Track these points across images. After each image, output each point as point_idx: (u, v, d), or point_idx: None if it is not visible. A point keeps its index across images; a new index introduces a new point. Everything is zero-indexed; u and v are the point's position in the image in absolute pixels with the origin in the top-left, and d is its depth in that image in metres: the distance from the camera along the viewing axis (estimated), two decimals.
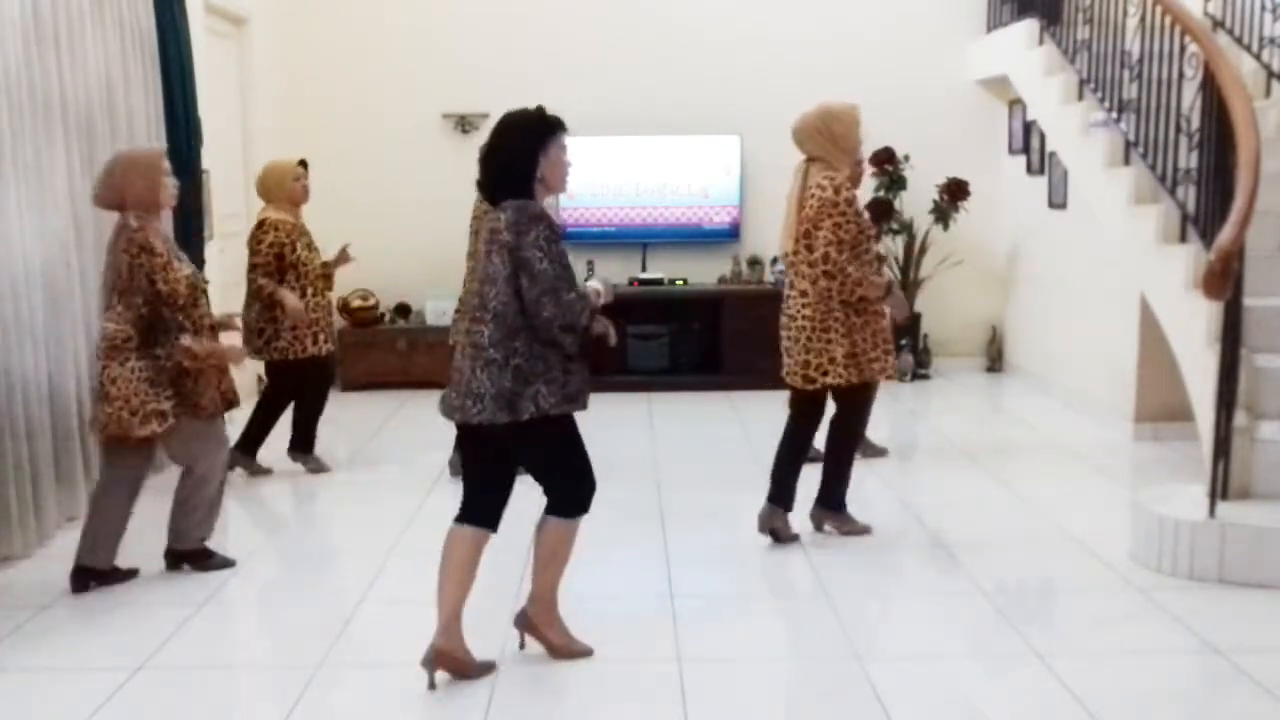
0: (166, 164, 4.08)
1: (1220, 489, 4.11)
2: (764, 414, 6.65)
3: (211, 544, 4.26)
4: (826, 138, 4.33)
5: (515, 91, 7.52)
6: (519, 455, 3.36)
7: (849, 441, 4.56)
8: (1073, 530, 4.55)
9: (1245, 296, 4.17)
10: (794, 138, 4.42)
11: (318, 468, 5.58)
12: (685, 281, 7.72)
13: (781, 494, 4.46)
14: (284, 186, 5.36)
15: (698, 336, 7.67)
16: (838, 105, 4.43)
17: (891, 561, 4.39)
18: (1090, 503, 4.96)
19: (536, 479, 3.40)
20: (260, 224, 5.34)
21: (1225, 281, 3.95)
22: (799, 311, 4.30)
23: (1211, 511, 4.04)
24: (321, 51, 7.79)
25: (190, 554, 4.18)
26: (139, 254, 3.87)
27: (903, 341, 7.77)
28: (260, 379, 6.26)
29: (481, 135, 7.69)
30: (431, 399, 7.13)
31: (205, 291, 4.13)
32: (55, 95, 4.65)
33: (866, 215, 4.48)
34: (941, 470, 5.57)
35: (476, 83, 7.77)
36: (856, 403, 4.52)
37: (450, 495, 5.19)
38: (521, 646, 3.49)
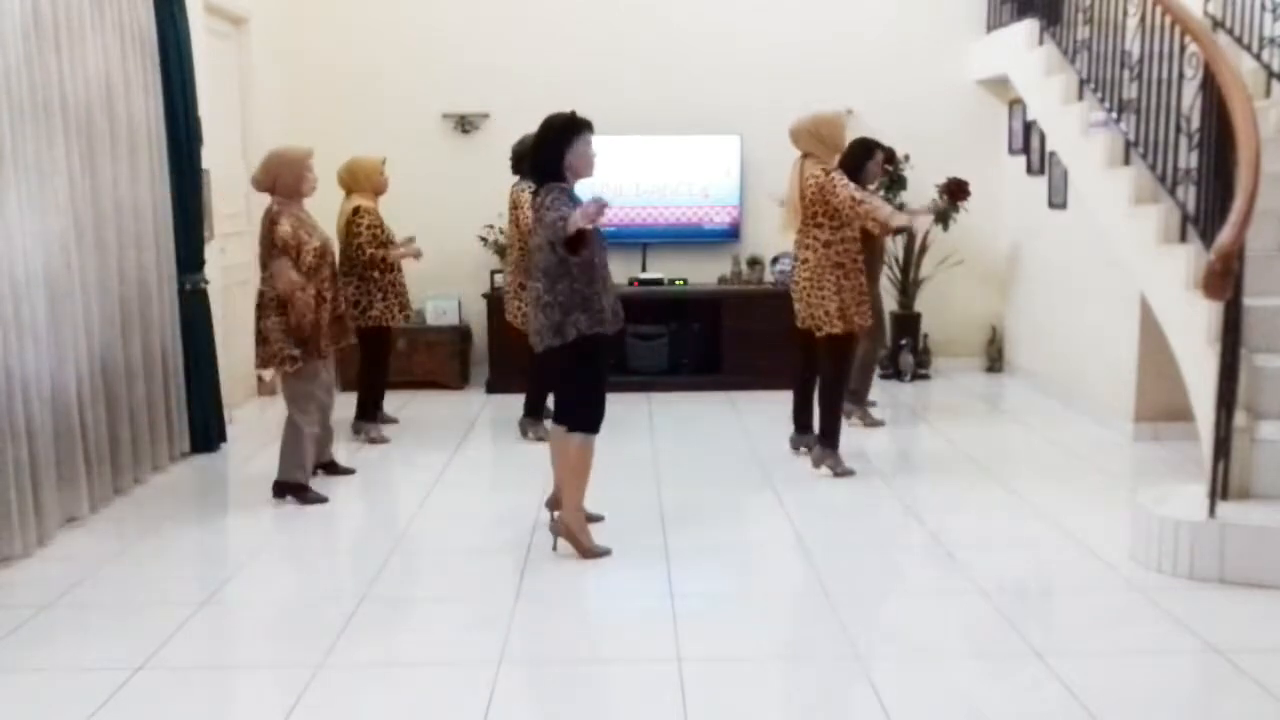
0: (311, 162, 5.06)
1: (1220, 489, 4.11)
2: (764, 414, 6.65)
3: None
4: (816, 138, 5.29)
5: (515, 92, 7.59)
6: (560, 374, 4.26)
7: (837, 386, 5.44)
8: (1073, 530, 4.55)
9: (1245, 296, 4.17)
10: (790, 136, 5.37)
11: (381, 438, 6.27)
12: (685, 281, 7.72)
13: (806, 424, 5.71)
14: (373, 178, 6.12)
15: (698, 336, 7.67)
16: (827, 111, 5.41)
17: (891, 561, 4.39)
18: (1090, 503, 4.96)
19: (562, 397, 4.33)
20: (356, 210, 6.01)
21: (1225, 281, 3.95)
22: (800, 275, 5.41)
23: (1211, 511, 4.04)
24: (321, 51, 7.79)
25: (291, 486, 5.03)
26: (270, 228, 4.90)
27: (903, 341, 7.79)
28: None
29: (482, 135, 7.79)
30: (432, 399, 7.21)
31: (332, 261, 5.15)
32: (55, 95, 4.64)
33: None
34: (941, 470, 5.57)
35: (476, 83, 7.78)
36: (842, 352, 5.40)
37: (451, 495, 5.20)
38: (555, 548, 4.32)
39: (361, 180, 6.10)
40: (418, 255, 6.23)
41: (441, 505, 5.05)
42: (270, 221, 4.93)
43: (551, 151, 4.14)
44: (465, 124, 7.79)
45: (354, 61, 7.81)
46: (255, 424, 6.57)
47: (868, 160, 6.21)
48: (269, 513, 4.94)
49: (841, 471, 5.35)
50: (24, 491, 4.28)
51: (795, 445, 5.78)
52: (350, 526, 4.99)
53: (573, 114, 4.19)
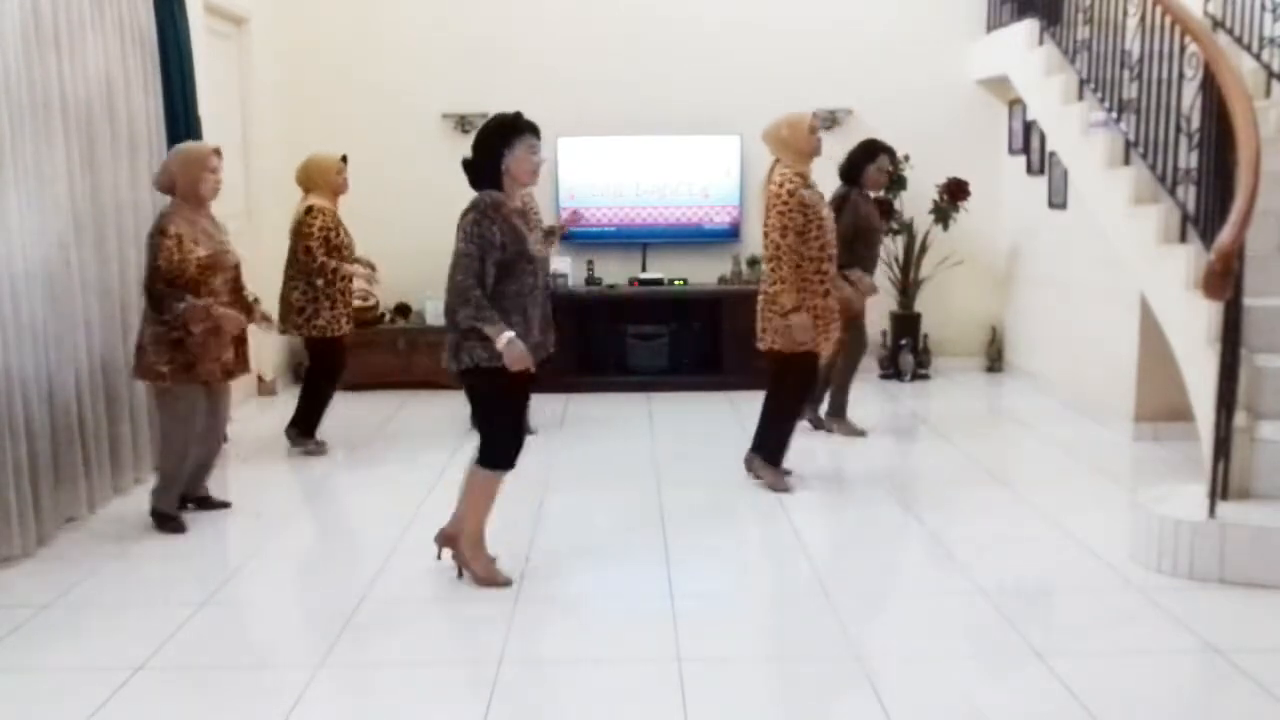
0: (213, 161, 4.59)
1: (1220, 489, 4.11)
2: None
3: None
4: (779, 140, 4.98)
5: (515, 92, 7.56)
6: (470, 399, 3.97)
7: (780, 404, 5.15)
8: (1073, 530, 4.55)
9: (1245, 296, 4.16)
10: (761, 139, 5.09)
11: (318, 450, 5.92)
12: (685, 281, 7.72)
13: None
14: (328, 177, 5.74)
15: (698, 336, 7.67)
16: (794, 114, 5.04)
17: (891, 562, 4.39)
18: (1090, 503, 4.96)
19: (477, 426, 4.00)
20: (308, 210, 5.66)
21: (1225, 281, 3.95)
22: (760, 285, 5.07)
23: (1211, 511, 4.04)
24: (321, 51, 7.80)
25: (152, 512, 4.65)
26: (154, 234, 4.44)
27: (902, 341, 7.78)
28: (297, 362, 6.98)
29: None
30: (431, 399, 7.21)
31: (236, 269, 4.65)
32: (55, 95, 4.65)
33: (827, 211, 5.04)
34: (941, 470, 5.57)
35: (476, 83, 7.77)
36: (788, 371, 5.07)
37: (451, 495, 5.19)
38: (439, 557, 4.09)
39: (316, 179, 5.73)
40: (369, 279, 5.93)
41: (442, 505, 5.02)
42: (155, 227, 4.46)
43: (489, 154, 3.79)
44: (465, 124, 7.78)
45: (354, 61, 7.81)
46: (255, 424, 6.57)
47: (868, 164, 5.98)
48: (269, 512, 4.94)
49: (777, 487, 5.10)
50: (23, 491, 4.28)
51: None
52: (350, 526, 4.99)
53: (516, 115, 3.86)
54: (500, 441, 3.92)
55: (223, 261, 4.55)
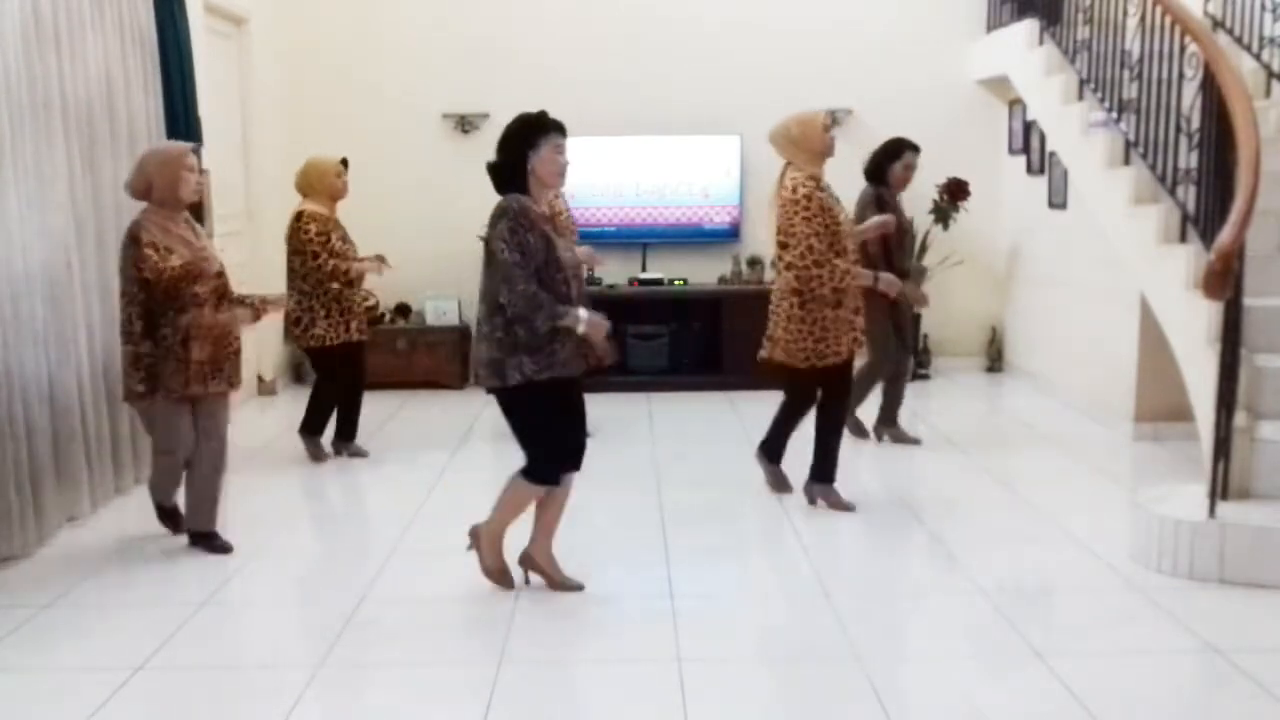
0: (191, 160, 4.33)
1: (1220, 489, 4.11)
2: (764, 414, 6.62)
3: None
4: (789, 140, 4.70)
5: (515, 92, 7.58)
6: (508, 419, 3.79)
7: (787, 412, 5.08)
8: (1073, 530, 4.55)
9: (1245, 296, 4.17)
10: (769, 142, 4.80)
11: (357, 452, 5.86)
12: (685, 281, 7.72)
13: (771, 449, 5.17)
14: (326, 181, 5.60)
15: (698, 336, 7.67)
16: (804, 112, 4.78)
17: (892, 562, 4.39)
18: (1090, 503, 4.96)
19: (519, 442, 3.81)
20: (299, 216, 5.53)
21: (1225, 281, 3.96)
22: (774, 292, 4.85)
23: (1211, 511, 4.04)
24: (321, 51, 7.80)
25: (156, 506, 4.59)
26: (128, 244, 4.21)
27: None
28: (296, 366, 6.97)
29: (482, 135, 7.77)
30: (432, 399, 7.21)
31: (220, 276, 4.35)
32: (55, 95, 4.65)
33: (844, 214, 4.77)
34: (941, 470, 5.57)
35: (476, 83, 7.77)
36: (794, 385, 4.97)
37: (451, 495, 5.20)
38: (527, 581, 3.98)
39: (314, 182, 5.58)
40: (379, 271, 5.72)
41: (442, 505, 5.04)
42: (128, 236, 4.20)
43: (515, 154, 3.67)
44: (465, 124, 7.79)
45: (354, 61, 7.81)
46: (255, 424, 6.57)
47: (892, 163, 5.80)
48: (269, 512, 4.94)
49: (772, 482, 5.11)
50: (24, 491, 4.28)
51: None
52: (350, 526, 4.99)
53: (541, 113, 3.73)
54: (549, 458, 3.78)
55: (203, 270, 4.24)
